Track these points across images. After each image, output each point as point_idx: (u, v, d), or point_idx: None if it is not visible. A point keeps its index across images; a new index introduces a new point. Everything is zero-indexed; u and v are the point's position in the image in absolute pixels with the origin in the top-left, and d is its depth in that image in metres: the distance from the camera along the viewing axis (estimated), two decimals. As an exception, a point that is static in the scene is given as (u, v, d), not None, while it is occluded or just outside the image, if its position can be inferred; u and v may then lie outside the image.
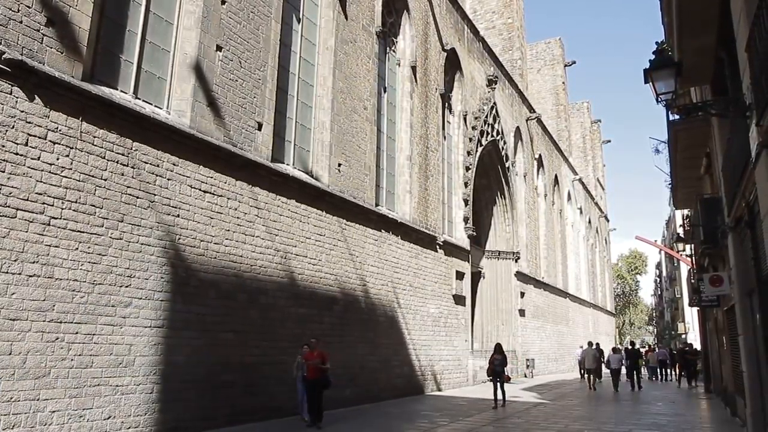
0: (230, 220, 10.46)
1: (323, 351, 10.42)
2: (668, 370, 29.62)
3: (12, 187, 7.11)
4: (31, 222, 7.28)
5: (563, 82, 44.77)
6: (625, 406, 15.64)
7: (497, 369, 13.85)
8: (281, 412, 11.02)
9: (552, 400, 16.54)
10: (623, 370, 22.62)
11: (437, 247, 18.67)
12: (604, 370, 24.37)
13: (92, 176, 8.09)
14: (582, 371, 24.02)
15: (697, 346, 27.86)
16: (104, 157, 8.29)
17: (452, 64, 21.53)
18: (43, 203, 7.44)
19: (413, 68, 18.12)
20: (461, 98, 22.04)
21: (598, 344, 24.32)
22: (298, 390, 10.77)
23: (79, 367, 7.64)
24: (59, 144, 7.70)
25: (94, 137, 8.18)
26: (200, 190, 9.89)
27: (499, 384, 13.78)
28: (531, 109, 31.30)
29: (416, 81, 18.27)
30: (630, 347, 24.19)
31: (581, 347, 26.08)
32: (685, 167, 14.14)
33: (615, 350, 23.80)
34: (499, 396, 13.80)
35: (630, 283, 79.48)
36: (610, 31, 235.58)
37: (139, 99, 9.47)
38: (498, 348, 14.36)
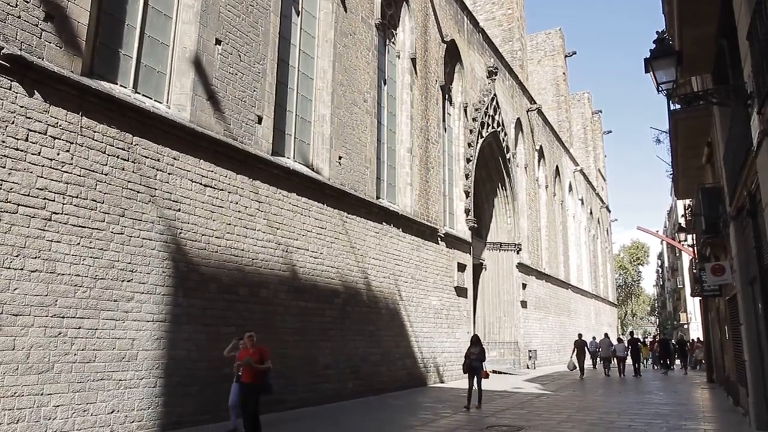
0: (231, 214, 10.47)
1: (263, 347, 8.50)
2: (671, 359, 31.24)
3: (13, 182, 7.11)
4: (33, 217, 7.29)
5: (564, 73, 44.64)
6: (627, 396, 15.68)
7: (474, 364, 12.17)
8: (283, 405, 11.06)
9: (554, 391, 16.59)
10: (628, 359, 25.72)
11: (438, 239, 18.68)
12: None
13: (93, 171, 8.09)
14: (594, 360, 27.29)
15: (699, 335, 29.76)
16: (105, 152, 8.29)
17: (452, 56, 21.46)
18: (44, 198, 7.45)
19: (413, 60, 18.06)
20: (461, 90, 21.97)
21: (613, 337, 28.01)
22: (231, 392, 9.00)
23: (82, 361, 7.67)
24: (59, 139, 7.70)
25: (95, 132, 8.17)
26: (201, 184, 9.89)
27: (476, 381, 12.19)
28: (531, 100, 31.21)
29: (416, 73, 18.22)
30: (630, 337, 27.22)
31: (593, 338, 28.38)
32: (687, 157, 14.10)
33: (619, 340, 28.67)
34: (474, 398, 12.18)
35: (632, 274, 79.66)
36: (611, 21, 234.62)
37: (139, 93, 9.46)
38: (475, 340, 12.62)
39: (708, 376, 21.46)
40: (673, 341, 33.25)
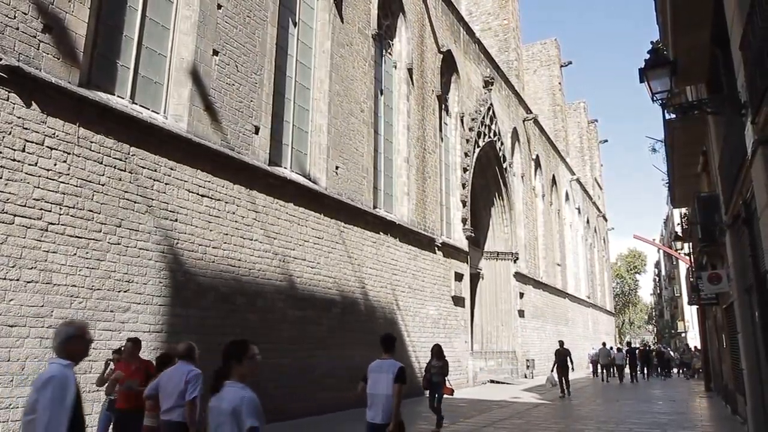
0: (228, 224, 10.46)
1: (148, 361, 6.72)
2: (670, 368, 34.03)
3: (9, 193, 7.10)
4: (29, 228, 7.28)
5: (559, 83, 44.82)
6: (625, 405, 15.64)
7: (434, 379, 10.49)
8: (283, 415, 11.00)
9: (552, 400, 16.55)
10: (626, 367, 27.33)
11: (436, 248, 18.67)
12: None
13: (90, 181, 8.09)
14: (595, 368, 29.02)
15: (697, 344, 30.77)
16: (101, 162, 8.29)
17: (448, 66, 21.56)
18: (41, 209, 7.44)
19: (410, 70, 18.14)
20: (458, 100, 22.06)
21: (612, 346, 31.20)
22: (98, 425, 7.29)
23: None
24: (56, 150, 7.70)
25: (92, 142, 8.18)
26: (198, 194, 9.89)
27: (437, 398, 10.45)
28: (528, 110, 31.34)
29: (413, 83, 18.29)
30: (628, 347, 30.16)
31: (593, 348, 31.13)
32: (683, 165, 14.17)
33: (619, 350, 29.51)
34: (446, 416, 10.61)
35: (629, 283, 79.57)
36: (606, 31, 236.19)
37: (136, 104, 9.47)
38: (437, 351, 10.71)
39: (706, 384, 21.44)
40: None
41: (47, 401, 3.00)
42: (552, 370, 18.85)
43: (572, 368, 18.74)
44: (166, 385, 5.10)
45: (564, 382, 17.79)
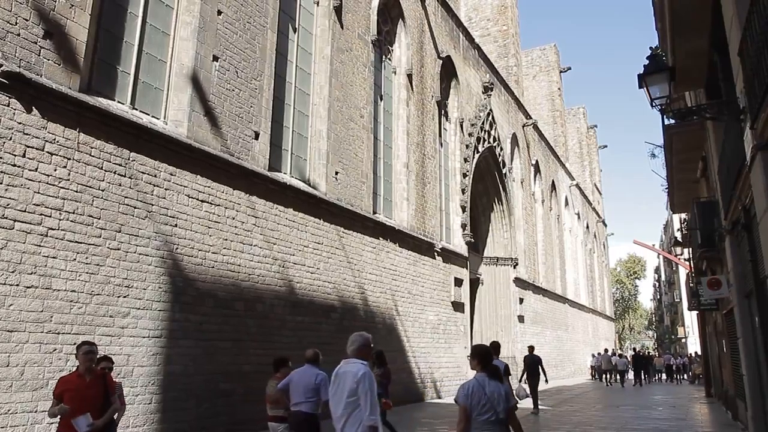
0: (228, 230, 10.46)
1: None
2: (673, 373, 35.67)
3: (10, 198, 7.10)
4: (29, 233, 7.28)
5: (559, 88, 44.94)
6: (625, 411, 15.60)
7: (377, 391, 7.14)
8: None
9: (552, 406, 16.49)
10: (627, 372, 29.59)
11: (435, 254, 18.67)
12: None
13: (90, 187, 8.10)
14: (595, 373, 31.39)
15: (697, 349, 31.98)
16: (102, 168, 8.30)
17: (448, 72, 21.61)
18: (41, 214, 7.44)
19: (409, 76, 18.19)
20: (457, 105, 22.10)
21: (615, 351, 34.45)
22: None
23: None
24: (57, 155, 7.71)
25: (92, 148, 8.19)
26: (198, 199, 9.90)
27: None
28: (527, 116, 31.41)
29: (412, 89, 18.34)
30: (633, 353, 32.48)
31: (598, 353, 33.00)
32: (682, 171, 14.19)
33: (620, 356, 31.24)
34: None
35: (629, 288, 79.60)
36: (605, 36, 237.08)
37: (136, 109, 9.50)
38: (377, 357, 8.92)
39: (706, 390, 21.39)
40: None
41: (366, 388, 4.24)
42: (520, 381, 15.03)
43: (545, 379, 15.48)
44: (298, 382, 6.24)
45: (532, 394, 14.46)
